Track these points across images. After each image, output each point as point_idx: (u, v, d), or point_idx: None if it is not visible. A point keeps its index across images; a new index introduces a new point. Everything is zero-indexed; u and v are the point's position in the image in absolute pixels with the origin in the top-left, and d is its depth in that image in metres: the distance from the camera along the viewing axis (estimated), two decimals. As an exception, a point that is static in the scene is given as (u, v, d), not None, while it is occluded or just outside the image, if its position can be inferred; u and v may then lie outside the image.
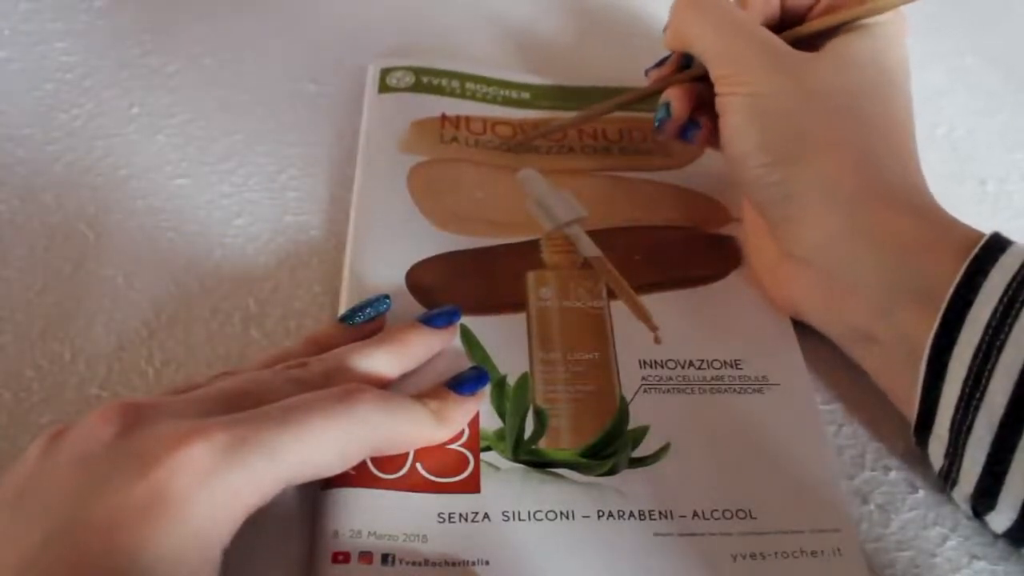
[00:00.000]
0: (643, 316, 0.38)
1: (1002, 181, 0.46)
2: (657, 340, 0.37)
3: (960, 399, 0.30)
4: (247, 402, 0.29)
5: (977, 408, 0.30)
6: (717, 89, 0.37)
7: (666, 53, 0.41)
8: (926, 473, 0.34)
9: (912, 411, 0.32)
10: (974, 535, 0.33)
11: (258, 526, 0.28)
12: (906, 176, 0.35)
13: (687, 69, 0.40)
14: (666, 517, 0.32)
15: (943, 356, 0.30)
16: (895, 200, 0.34)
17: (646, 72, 0.42)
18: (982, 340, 0.29)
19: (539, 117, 0.46)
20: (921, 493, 0.34)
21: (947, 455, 0.32)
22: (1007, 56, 0.53)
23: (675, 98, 0.39)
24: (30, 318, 0.37)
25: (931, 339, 0.31)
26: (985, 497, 0.31)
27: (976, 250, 0.31)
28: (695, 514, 0.32)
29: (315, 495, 0.32)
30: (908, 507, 0.34)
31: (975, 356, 0.30)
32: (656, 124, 0.40)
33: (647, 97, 0.42)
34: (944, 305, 0.30)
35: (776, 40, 0.36)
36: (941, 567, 0.32)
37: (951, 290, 0.30)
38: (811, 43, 0.37)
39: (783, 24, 0.39)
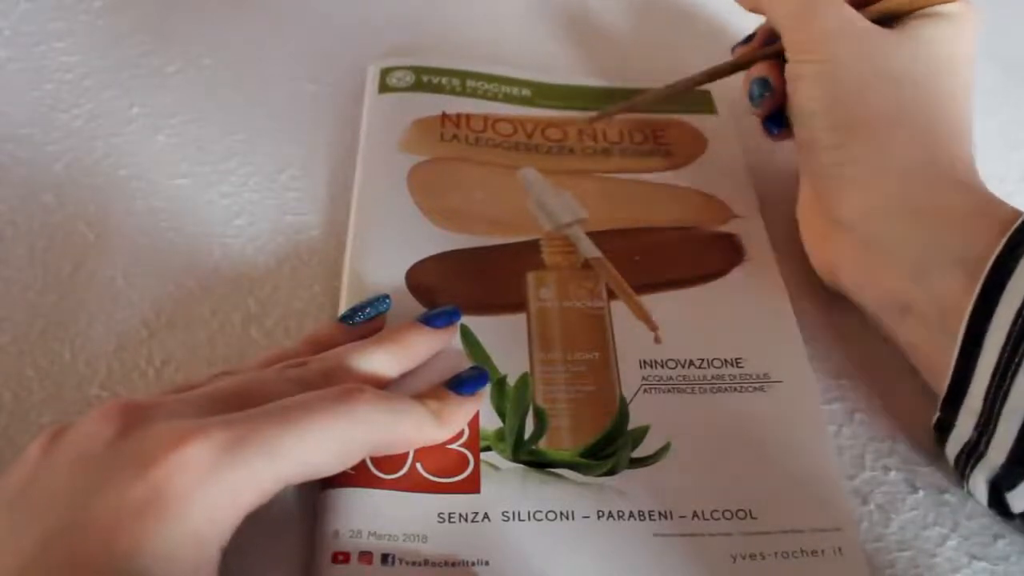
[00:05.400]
0: (643, 316, 0.38)
1: (1002, 181, 0.46)
2: (657, 340, 0.37)
3: (997, 366, 0.30)
4: (247, 401, 0.29)
5: (1014, 375, 0.30)
6: (789, 55, 0.38)
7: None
8: (926, 473, 0.34)
9: (944, 381, 0.32)
10: (974, 535, 0.33)
11: (258, 526, 0.28)
12: (959, 155, 0.36)
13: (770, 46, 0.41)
14: (666, 517, 0.32)
15: (982, 323, 0.31)
16: (945, 175, 0.35)
17: (732, 49, 0.43)
18: (1022, 308, 0.30)
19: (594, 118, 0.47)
20: (921, 493, 0.34)
21: (977, 426, 0.32)
22: (1006, 54, 0.53)
23: (770, 74, 0.40)
24: (30, 318, 0.37)
25: (971, 305, 0.31)
26: (1017, 466, 0.31)
27: (1018, 222, 0.31)
28: (695, 514, 0.32)
29: (315, 495, 0.32)
30: (908, 507, 0.34)
31: (1015, 323, 0.30)
32: (756, 97, 0.40)
33: (737, 70, 0.42)
34: (985, 273, 0.31)
35: (850, 10, 0.37)
36: (941, 567, 0.32)
37: (992, 258, 0.31)
38: (886, 22, 0.37)
39: (859, 4, 0.39)
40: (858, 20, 0.37)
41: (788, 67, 0.38)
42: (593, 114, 0.46)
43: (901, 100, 0.36)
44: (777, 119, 0.40)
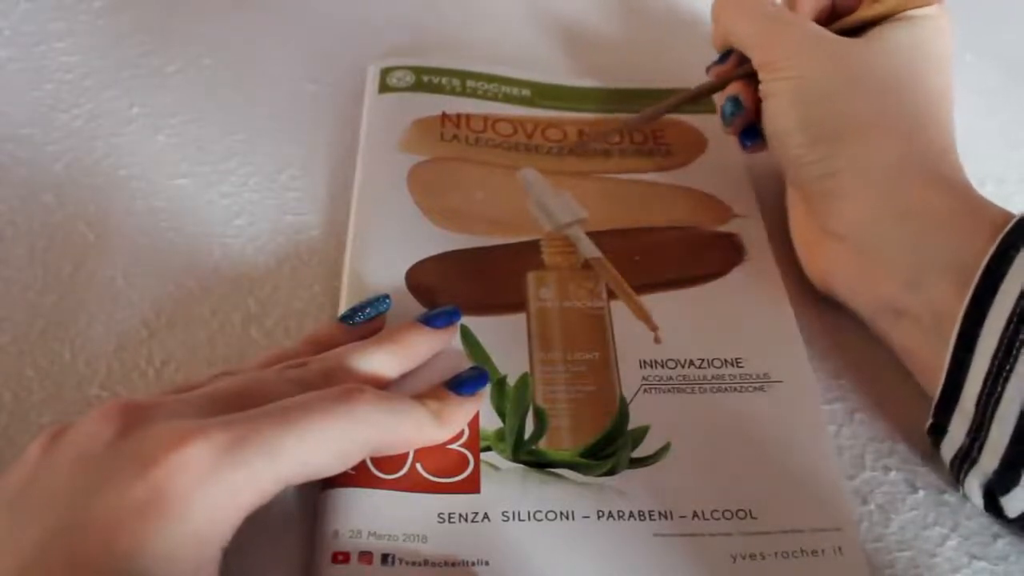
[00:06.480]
0: (643, 316, 0.38)
1: (1001, 181, 0.46)
2: (657, 340, 0.37)
3: (989, 371, 0.30)
4: (247, 402, 0.29)
5: (1007, 379, 0.30)
6: (761, 77, 0.38)
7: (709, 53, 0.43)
8: (926, 473, 0.34)
9: (938, 386, 0.32)
10: (974, 535, 0.33)
11: (258, 526, 0.28)
12: (942, 156, 0.36)
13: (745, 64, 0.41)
14: (666, 517, 0.32)
15: (974, 328, 0.31)
16: (931, 178, 0.35)
17: (707, 69, 0.43)
18: (1013, 312, 0.30)
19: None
20: (921, 493, 0.34)
21: (970, 432, 0.32)
22: (1007, 55, 0.53)
23: (742, 92, 0.40)
24: (30, 318, 0.37)
25: (963, 310, 0.31)
26: (1009, 471, 0.31)
27: (1009, 226, 0.31)
28: (695, 514, 0.32)
29: (315, 495, 0.32)
30: (908, 507, 0.34)
31: (1007, 327, 0.30)
32: (727, 116, 0.40)
33: (714, 92, 0.42)
34: (977, 277, 0.31)
35: (813, 26, 0.38)
36: (941, 567, 0.32)
37: (984, 263, 0.31)
38: (855, 33, 0.38)
39: (836, 19, 0.39)
40: (824, 34, 0.37)
41: (761, 87, 0.38)
42: (630, 117, 0.46)
43: (876, 102, 0.36)
44: (750, 133, 0.41)
